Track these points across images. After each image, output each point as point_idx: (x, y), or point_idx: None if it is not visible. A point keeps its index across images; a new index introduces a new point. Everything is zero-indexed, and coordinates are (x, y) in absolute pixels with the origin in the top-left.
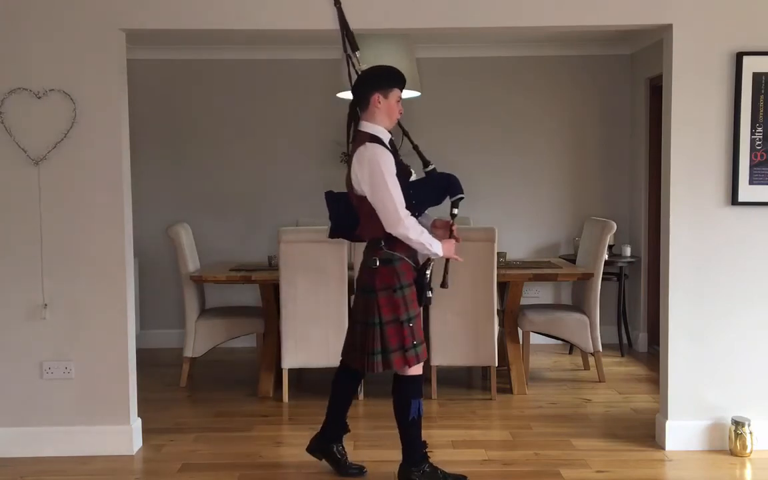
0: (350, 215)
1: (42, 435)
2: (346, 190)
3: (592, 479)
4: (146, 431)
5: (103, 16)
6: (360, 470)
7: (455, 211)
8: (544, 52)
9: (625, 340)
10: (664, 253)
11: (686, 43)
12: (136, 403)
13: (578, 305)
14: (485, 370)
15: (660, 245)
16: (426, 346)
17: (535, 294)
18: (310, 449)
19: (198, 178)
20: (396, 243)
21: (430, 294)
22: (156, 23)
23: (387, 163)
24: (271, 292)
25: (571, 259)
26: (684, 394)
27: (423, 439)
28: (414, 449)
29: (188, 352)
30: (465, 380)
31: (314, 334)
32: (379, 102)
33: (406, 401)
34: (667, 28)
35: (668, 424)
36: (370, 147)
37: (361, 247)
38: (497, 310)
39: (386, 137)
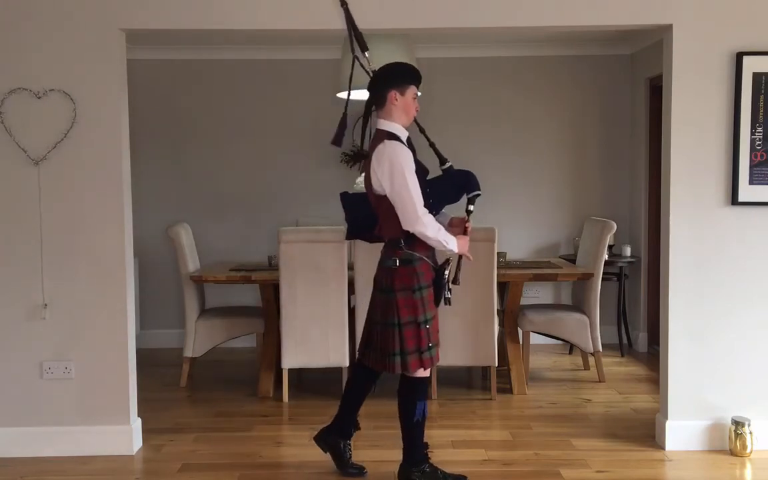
0: (368, 216)
1: (42, 435)
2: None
3: (592, 479)
4: (146, 431)
5: (103, 16)
6: (360, 471)
7: (471, 207)
8: (544, 52)
9: (625, 340)
10: (664, 253)
11: (686, 43)
12: (136, 403)
13: (578, 305)
14: (485, 370)
15: (660, 245)
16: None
17: (535, 294)
18: (317, 439)
19: (198, 178)
20: (416, 243)
21: (449, 294)
22: (156, 23)
23: (407, 160)
24: (271, 292)
25: (571, 259)
26: (684, 394)
27: (425, 439)
28: (415, 449)
29: (188, 352)
30: (465, 380)
31: (314, 334)
32: (396, 99)
33: (412, 403)
34: (667, 28)
35: (668, 424)
36: (389, 144)
37: (361, 247)
38: (497, 310)
39: (404, 135)
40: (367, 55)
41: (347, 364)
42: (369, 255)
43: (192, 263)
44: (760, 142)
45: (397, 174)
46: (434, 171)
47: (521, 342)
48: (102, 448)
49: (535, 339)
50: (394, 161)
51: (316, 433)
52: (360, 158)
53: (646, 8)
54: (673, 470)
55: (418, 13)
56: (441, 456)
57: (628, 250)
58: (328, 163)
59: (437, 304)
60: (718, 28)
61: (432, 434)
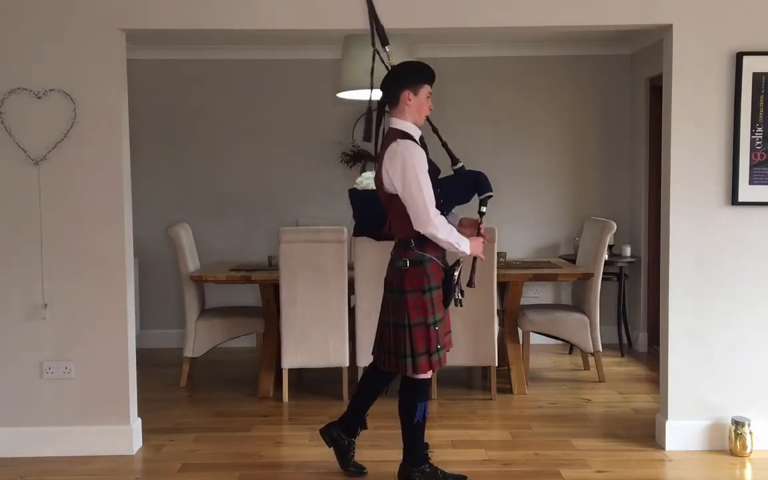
0: (376, 213)
1: (42, 435)
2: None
3: (592, 479)
4: (146, 431)
5: (103, 16)
6: (360, 470)
7: (483, 209)
8: (544, 52)
9: (625, 340)
10: (664, 253)
11: (686, 43)
12: (136, 403)
13: (578, 305)
14: (485, 370)
15: (660, 245)
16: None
17: (535, 294)
18: (323, 431)
19: (198, 178)
20: (426, 243)
21: (460, 295)
22: (156, 23)
23: (419, 160)
24: (271, 292)
25: (571, 259)
26: (684, 394)
27: (425, 440)
28: (415, 450)
29: (188, 352)
30: (465, 380)
31: (314, 334)
32: (410, 99)
33: (413, 404)
34: (667, 28)
35: (668, 424)
36: (402, 143)
37: (361, 247)
38: (497, 310)
39: (417, 134)
40: (387, 49)
41: (347, 364)
42: (369, 255)
43: (192, 263)
44: (760, 142)
45: (409, 174)
46: (446, 171)
47: (521, 342)
48: (102, 448)
49: (535, 339)
50: (407, 161)
51: (323, 426)
52: (360, 158)
53: (646, 8)
54: (673, 470)
55: (418, 13)
56: (441, 456)
57: (628, 250)
58: (328, 163)
59: (447, 305)
60: (718, 28)
61: (432, 434)
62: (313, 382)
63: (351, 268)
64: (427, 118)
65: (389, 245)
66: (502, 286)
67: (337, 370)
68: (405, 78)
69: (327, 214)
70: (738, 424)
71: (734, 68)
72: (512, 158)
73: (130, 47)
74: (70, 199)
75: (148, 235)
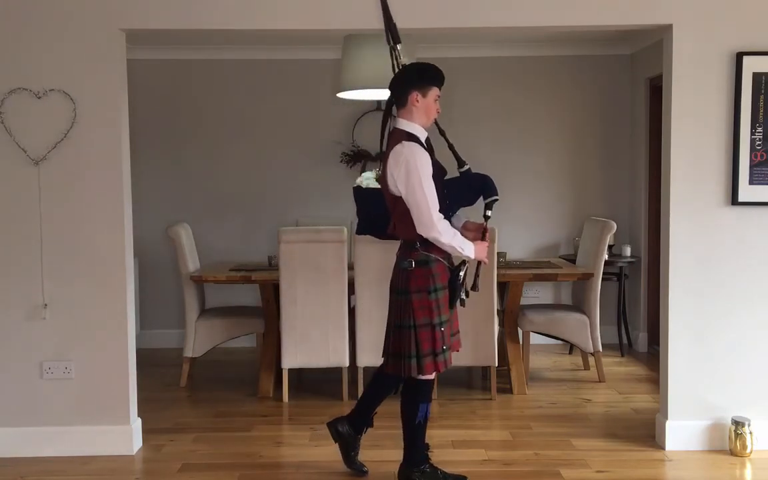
0: (380, 212)
1: (42, 435)
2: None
3: (592, 479)
4: (146, 431)
5: (103, 16)
6: (361, 470)
7: (489, 213)
8: (544, 52)
9: (625, 340)
10: (664, 253)
11: (686, 43)
12: (136, 403)
13: (578, 305)
14: (485, 370)
15: (660, 245)
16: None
17: (535, 294)
18: (330, 424)
19: (198, 178)
20: (431, 244)
21: (464, 296)
22: (156, 23)
23: (424, 163)
24: (271, 292)
25: (571, 259)
26: (684, 394)
27: (426, 440)
28: (416, 451)
29: (188, 352)
30: (465, 380)
31: (314, 334)
32: (417, 100)
33: (414, 404)
34: (667, 28)
35: (668, 424)
36: (408, 146)
37: (361, 247)
38: (497, 310)
39: (423, 136)
40: (399, 47)
41: (347, 364)
42: (369, 255)
43: (192, 263)
44: (760, 142)
45: (413, 178)
46: (452, 173)
47: (521, 342)
48: (102, 448)
49: (535, 339)
50: (411, 164)
51: (331, 419)
52: (360, 158)
53: (646, 8)
54: (673, 470)
55: (418, 13)
56: (441, 456)
57: (628, 250)
58: (328, 163)
59: (452, 305)
60: (718, 28)
61: (432, 434)
62: (313, 382)
63: (351, 268)
64: (435, 120)
65: (389, 245)
66: (502, 286)
67: (337, 370)
68: (414, 79)
69: (327, 214)
70: (738, 424)
71: (734, 68)
72: (512, 158)
73: (130, 47)
74: (70, 199)
75: (148, 235)
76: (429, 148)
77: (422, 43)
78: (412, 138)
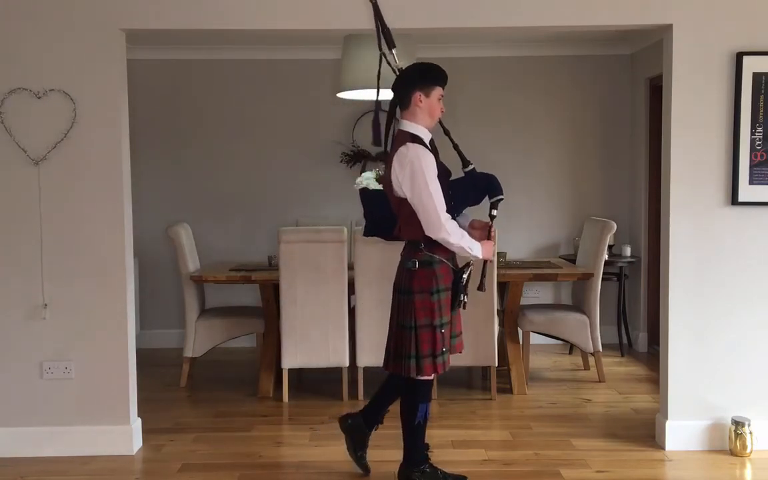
0: (386, 214)
1: (42, 435)
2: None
3: (592, 479)
4: (146, 431)
5: (103, 16)
6: (365, 470)
7: (494, 212)
8: (544, 52)
9: (625, 340)
10: (664, 253)
11: (686, 43)
12: (136, 403)
13: (578, 305)
14: (485, 370)
15: (660, 245)
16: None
17: (535, 294)
18: (341, 418)
19: (198, 178)
20: (436, 245)
21: (465, 298)
22: (156, 23)
23: (428, 165)
24: (271, 292)
25: (571, 259)
26: (684, 394)
27: (425, 440)
28: (415, 450)
29: (188, 352)
30: (465, 380)
31: (314, 334)
32: (421, 101)
33: (414, 405)
34: (667, 28)
35: (668, 424)
36: (412, 148)
37: (361, 247)
38: (497, 310)
39: (427, 137)
40: (394, 52)
41: (347, 364)
42: (369, 255)
43: (192, 263)
44: (760, 142)
45: (419, 180)
46: (456, 172)
47: (521, 342)
48: (102, 448)
49: (535, 339)
50: (416, 166)
51: (343, 414)
52: (360, 158)
53: (646, 8)
54: (673, 470)
55: (418, 13)
56: (441, 456)
57: (628, 250)
58: (328, 163)
59: (454, 307)
60: (718, 28)
61: (432, 434)
62: (313, 382)
63: (351, 268)
64: (440, 121)
65: (389, 245)
66: (502, 286)
67: (337, 370)
68: (416, 79)
69: (327, 214)
70: (738, 424)
71: (734, 68)
72: (512, 158)
73: (130, 47)
74: (70, 199)
75: (148, 235)
76: (433, 149)
77: (422, 43)
78: (416, 140)
